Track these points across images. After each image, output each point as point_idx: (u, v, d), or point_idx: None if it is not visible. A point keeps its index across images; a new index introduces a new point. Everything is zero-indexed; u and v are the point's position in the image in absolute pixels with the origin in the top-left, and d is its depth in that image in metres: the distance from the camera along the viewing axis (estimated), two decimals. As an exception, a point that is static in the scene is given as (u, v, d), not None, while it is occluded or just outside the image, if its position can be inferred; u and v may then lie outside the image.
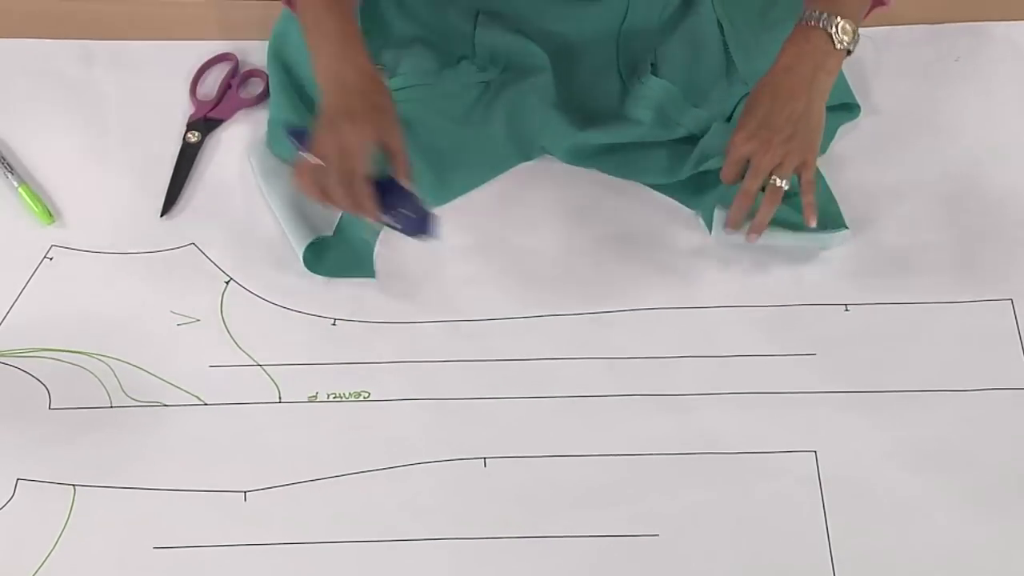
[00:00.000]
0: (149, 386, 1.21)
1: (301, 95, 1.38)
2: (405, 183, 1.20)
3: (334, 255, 1.29)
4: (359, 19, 1.34)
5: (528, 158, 1.36)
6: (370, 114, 1.20)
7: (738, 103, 1.35)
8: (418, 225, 1.21)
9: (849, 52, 1.25)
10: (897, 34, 1.45)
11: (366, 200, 1.18)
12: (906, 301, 1.26)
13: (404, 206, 1.20)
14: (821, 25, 1.23)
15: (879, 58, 1.44)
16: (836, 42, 1.23)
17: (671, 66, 1.38)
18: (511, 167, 1.36)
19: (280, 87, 1.38)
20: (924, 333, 1.24)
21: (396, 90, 1.38)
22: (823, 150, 1.33)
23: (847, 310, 1.26)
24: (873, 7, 1.29)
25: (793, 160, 1.22)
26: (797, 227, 1.26)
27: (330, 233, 1.30)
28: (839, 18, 1.23)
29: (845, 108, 1.38)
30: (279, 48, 1.42)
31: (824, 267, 1.29)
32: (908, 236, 1.31)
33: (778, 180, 1.22)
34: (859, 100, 1.38)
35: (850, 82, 1.39)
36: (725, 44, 1.40)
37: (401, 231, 1.22)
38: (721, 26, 1.41)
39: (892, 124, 1.39)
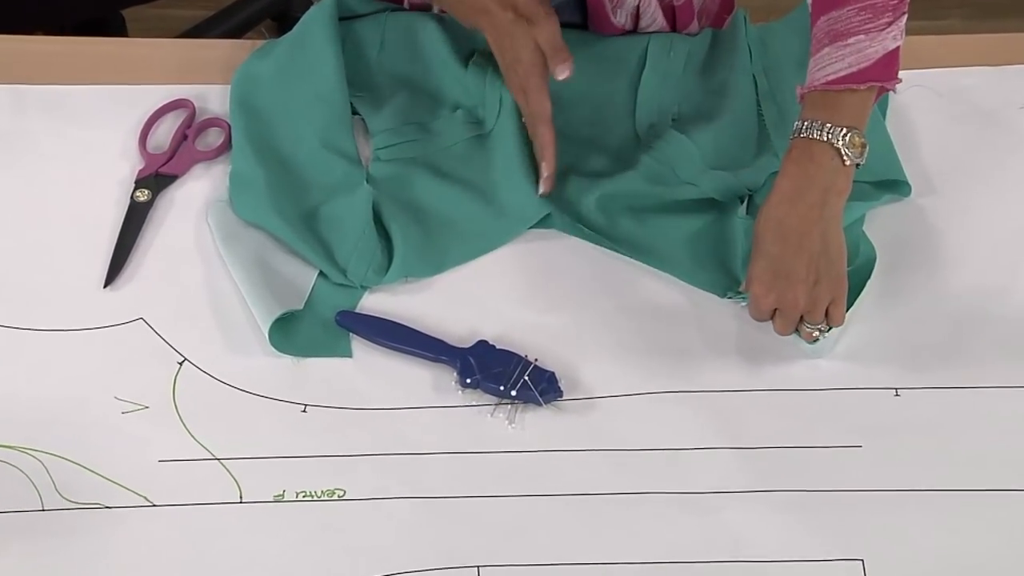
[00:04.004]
0: (88, 485, 1.19)
1: (270, 147, 1.38)
2: (565, 70, 1.31)
3: (305, 332, 1.28)
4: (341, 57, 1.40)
5: (529, 223, 1.36)
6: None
7: (765, 182, 1.36)
8: (548, 386, 1.24)
9: (858, 165, 1.25)
10: (951, 78, 1.47)
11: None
12: (964, 385, 1.26)
13: (516, 370, 1.24)
14: (825, 138, 1.23)
15: (930, 105, 1.45)
16: (844, 157, 1.23)
17: (694, 123, 1.40)
18: (514, 235, 1.36)
19: (245, 137, 1.39)
20: (985, 422, 1.24)
21: (381, 148, 1.39)
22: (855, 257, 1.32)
23: (897, 395, 1.25)
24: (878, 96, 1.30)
25: (822, 305, 1.24)
26: None
27: (300, 306, 1.30)
28: (844, 128, 1.23)
29: (891, 185, 1.38)
30: (245, 91, 1.43)
31: (870, 344, 1.28)
32: (966, 310, 1.31)
33: (810, 328, 1.25)
34: (907, 153, 1.39)
35: (898, 136, 1.39)
36: (760, 105, 1.41)
37: (534, 402, 1.24)
38: (756, 82, 1.43)
39: (945, 181, 1.40)
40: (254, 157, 1.37)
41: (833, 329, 1.25)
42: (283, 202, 1.34)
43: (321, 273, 1.32)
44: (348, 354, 1.28)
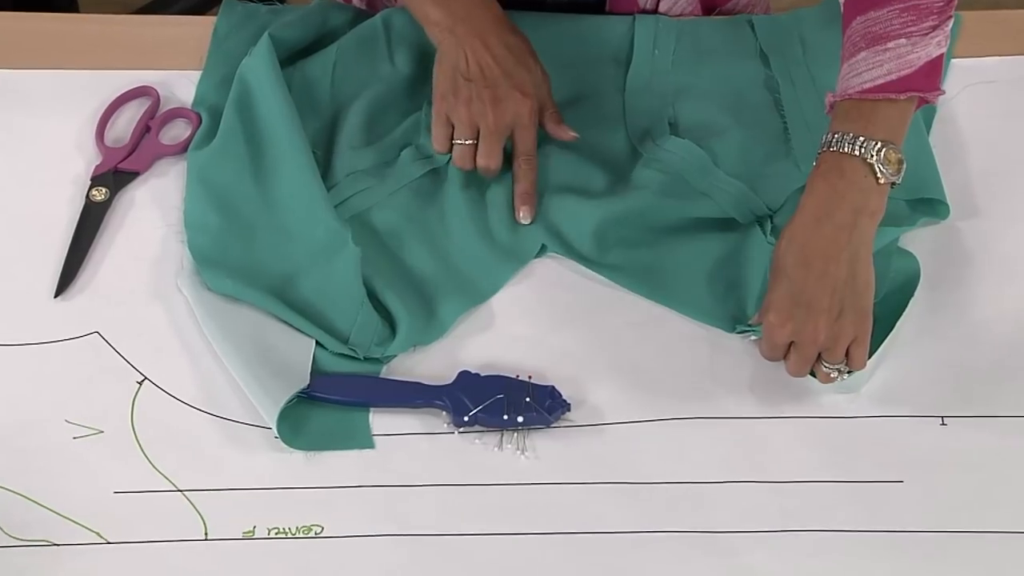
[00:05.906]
0: (35, 520, 1.18)
1: (238, 215, 1.35)
2: (566, 133, 1.37)
3: (317, 421, 1.24)
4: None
5: (529, 256, 1.35)
6: (538, 67, 1.38)
7: (786, 202, 1.35)
8: (554, 401, 1.24)
9: (894, 184, 1.24)
10: (1008, 67, 1.50)
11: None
12: (1019, 414, 1.25)
13: (514, 394, 1.23)
14: (857, 152, 1.21)
15: (979, 99, 1.46)
16: (878, 174, 1.21)
17: (696, 128, 1.41)
18: (515, 270, 1.35)
19: (211, 212, 1.35)
20: (1042, 455, 1.24)
21: (339, 204, 1.37)
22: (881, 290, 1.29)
23: (944, 424, 1.24)
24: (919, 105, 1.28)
25: (844, 341, 1.22)
26: None
27: (304, 383, 1.25)
28: (879, 143, 1.21)
29: (927, 205, 1.37)
30: (201, 172, 1.38)
31: (913, 368, 1.28)
32: (1020, 331, 1.31)
33: (829, 368, 1.23)
34: (952, 153, 1.40)
35: (941, 133, 1.41)
36: (779, 105, 1.42)
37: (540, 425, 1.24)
38: (778, 82, 1.44)
39: (997, 187, 1.41)
40: (221, 231, 1.34)
41: (855, 373, 1.24)
42: (261, 274, 1.31)
43: (317, 344, 1.29)
44: (370, 444, 1.23)
